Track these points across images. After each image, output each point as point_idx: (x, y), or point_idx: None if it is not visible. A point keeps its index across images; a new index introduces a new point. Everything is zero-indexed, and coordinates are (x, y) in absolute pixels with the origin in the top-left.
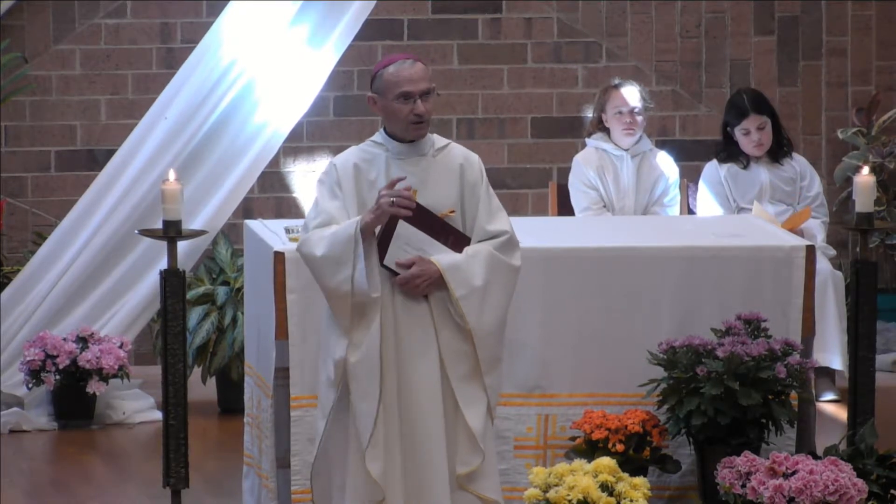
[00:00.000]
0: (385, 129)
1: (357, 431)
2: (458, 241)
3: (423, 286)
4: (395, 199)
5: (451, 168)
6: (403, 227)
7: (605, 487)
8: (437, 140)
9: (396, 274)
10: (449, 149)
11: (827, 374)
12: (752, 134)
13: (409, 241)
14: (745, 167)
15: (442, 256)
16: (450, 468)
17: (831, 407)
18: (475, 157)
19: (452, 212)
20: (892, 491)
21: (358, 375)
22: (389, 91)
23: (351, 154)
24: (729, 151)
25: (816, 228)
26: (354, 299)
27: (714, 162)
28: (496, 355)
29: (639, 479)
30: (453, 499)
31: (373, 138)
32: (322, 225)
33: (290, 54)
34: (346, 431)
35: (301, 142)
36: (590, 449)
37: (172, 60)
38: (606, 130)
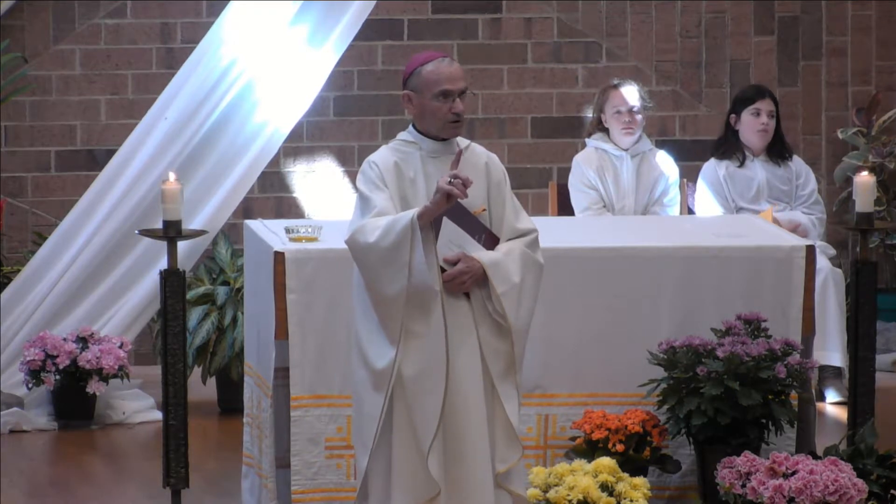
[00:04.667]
0: (415, 127)
1: (417, 436)
2: (489, 239)
3: (469, 282)
4: (452, 179)
5: (478, 167)
6: (447, 225)
7: (605, 487)
8: (460, 139)
9: (443, 270)
10: (472, 148)
11: (837, 376)
12: (761, 115)
13: (452, 239)
14: (742, 164)
15: (482, 254)
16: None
17: (833, 407)
18: (495, 156)
19: (484, 210)
20: (892, 491)
21: (421, 383)
22: (428, 89)
23: (388, 152)
24: (727, 146)
25: (810, 226)
26: (411, 291)
27: (713, 160)
28: (524, 352)
29: (639, 479)
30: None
31: (402, 137)
32: (375, 217)
33: (290, 54)
34: (389, 438)
35: (301, 142)
36: (590, 449)
37: (172, 60)
38: (606, 130)
